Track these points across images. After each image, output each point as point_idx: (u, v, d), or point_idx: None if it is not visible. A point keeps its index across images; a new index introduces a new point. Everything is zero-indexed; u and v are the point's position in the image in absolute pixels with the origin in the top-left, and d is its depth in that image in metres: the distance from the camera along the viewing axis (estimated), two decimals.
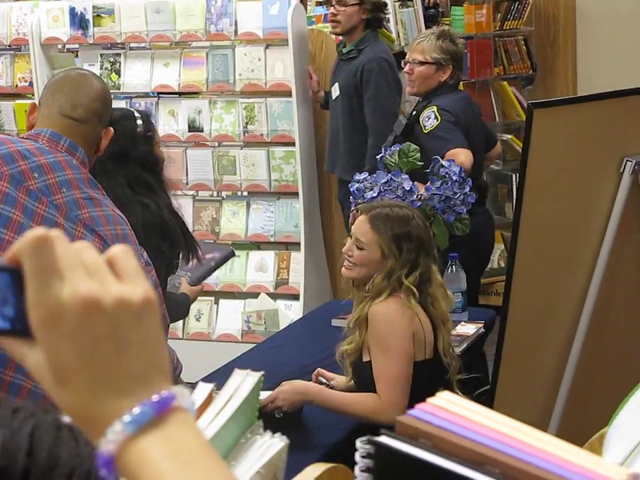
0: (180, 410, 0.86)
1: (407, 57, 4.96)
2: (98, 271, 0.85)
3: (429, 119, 4.72)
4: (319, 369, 3.57)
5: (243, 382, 1.33)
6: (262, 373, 1.37)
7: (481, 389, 3.95)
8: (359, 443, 1.05)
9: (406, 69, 4.92)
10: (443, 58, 4.83)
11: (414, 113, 4.85)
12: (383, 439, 1.04)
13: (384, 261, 3.29)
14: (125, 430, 0.83)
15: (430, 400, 1.08)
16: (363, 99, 5.32)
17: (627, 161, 3.16)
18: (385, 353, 3.20)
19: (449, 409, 1.06)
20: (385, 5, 5.57)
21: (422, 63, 4.83)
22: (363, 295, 3.32)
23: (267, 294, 5.70)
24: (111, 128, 2.73)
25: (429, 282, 3.29)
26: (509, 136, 6.64)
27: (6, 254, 0.85)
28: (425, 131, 4.70)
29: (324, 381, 3.50)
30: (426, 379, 3.23)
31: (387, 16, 5.83)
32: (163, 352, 0.87)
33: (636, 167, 3.15)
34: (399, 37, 6.22)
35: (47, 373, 0.84)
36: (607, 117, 3.05)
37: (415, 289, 3.22)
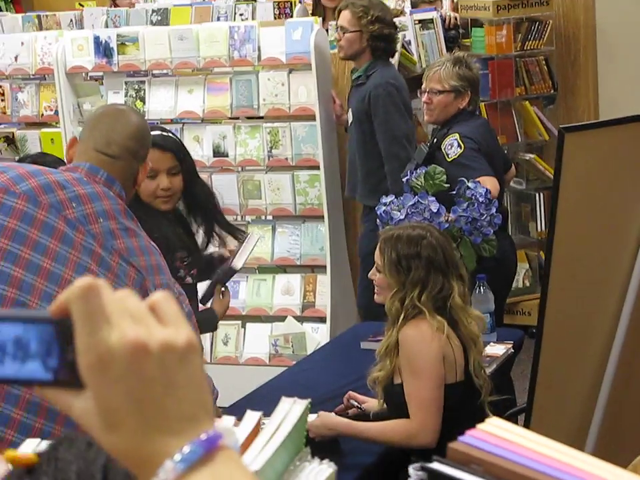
0: (226, 448, 0.88)
1: (423, 86, 4.91)
2: (142, 317, 0.88)
3: (452, 147, 4.69)
4: (350, 392, 3.56)
5: (291, 409, 1.36)
6: (309, 400, 1.40)
7: (511, 410, 3.93)
8: (411, 470, 1.07)
9: (424, 98, 4.88)
10: (461, 85, 4.80)
11: (434, 141, 4.84)
12: (436, 465, 1.05)
13: (396, 284, 3.28)
14: (176, 468, 0.85)
15: (480, 426, 1.10)
16: (373, 125, 5.30)
17: None
18: (416, 376, 3.19)
19: (499, 434, 1.08)
20: (391, 36, 5.43)
21: (440, 92, 4.81)
22: (390, 323, 3.32)
23: (294, 317, 5.71)
24: (149, 162, 2.77)
25: (454, 302, 3.27)
26: (532, 155, 6.63)
27: (51, 305, 0.88)
28: (449, 159, 4.67)
29: (355, 404, 3.50)
30: (458, 401, 3.23)
31: (403, 41, 5.80)
32: (206, 391, 0.90)
33: None
34: (420, 59, 6.23)
35: (95, 419, 0.86)
36: (638, 139, 3.05)
37: (426, 310, 3.20)
